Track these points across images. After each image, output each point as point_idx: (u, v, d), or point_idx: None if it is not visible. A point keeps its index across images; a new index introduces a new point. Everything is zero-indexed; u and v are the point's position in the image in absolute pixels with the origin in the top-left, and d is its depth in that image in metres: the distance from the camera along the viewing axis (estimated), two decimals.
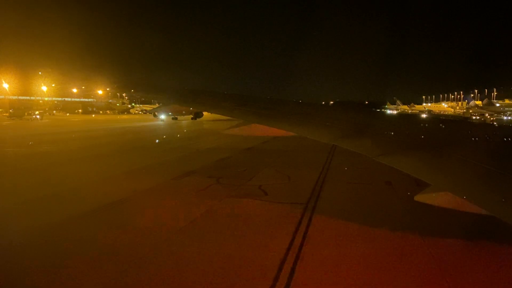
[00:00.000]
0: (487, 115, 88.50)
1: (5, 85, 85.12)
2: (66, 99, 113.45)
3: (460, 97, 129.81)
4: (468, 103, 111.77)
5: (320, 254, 6.30)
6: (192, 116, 58.82)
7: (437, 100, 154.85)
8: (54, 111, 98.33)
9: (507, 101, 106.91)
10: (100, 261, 6.04)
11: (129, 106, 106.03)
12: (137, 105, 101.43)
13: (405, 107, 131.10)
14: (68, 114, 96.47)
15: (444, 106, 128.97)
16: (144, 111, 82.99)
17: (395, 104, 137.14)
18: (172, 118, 57.69)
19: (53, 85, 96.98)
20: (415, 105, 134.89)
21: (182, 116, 58.02)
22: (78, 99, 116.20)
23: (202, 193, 10.71)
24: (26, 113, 65.70)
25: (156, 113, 57.87)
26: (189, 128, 42.54)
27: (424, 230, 7.49)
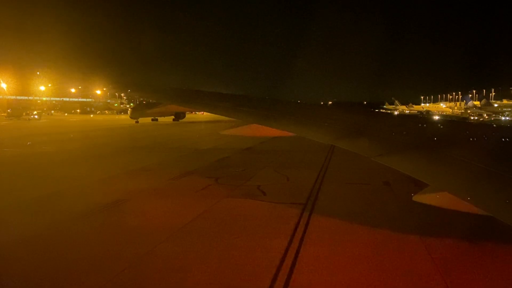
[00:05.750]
0: (485, 115, 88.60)
1: (3, 85, 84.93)
2: (64, 99, 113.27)
3: (458, 97, 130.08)
4: (466, 103, 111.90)
5: (318, 255, 6.29)
6: (173, 117, 57.30)
7: (435, 100, 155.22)
8: (52, 111, 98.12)
9: (505, 101, 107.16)
10: (100, 260, 6.02)
11: (128, 106, 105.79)
12: None
13: (404, 107, 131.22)
14: (66, 114, 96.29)
15: (442, 107, 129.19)
16: None
17: (393, 104, 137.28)
18: (152, 120, 55.40)
19: (49, 85, 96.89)
20: (413, 105, 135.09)
21: (163, 118, 56.09)
22: (76, 99, 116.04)
23: (200, 193, 10.68)
24: (24, 113, 65.52)
25: (131, 115, 54.76)
26: (179, 130, 42.48)
27: (423, 230, 7.49)
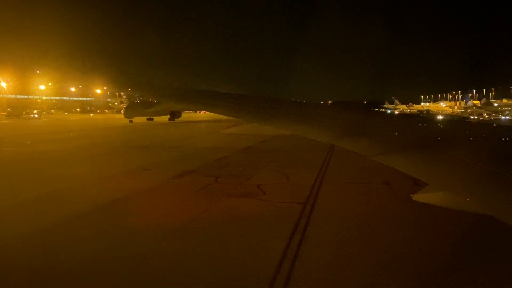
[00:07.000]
0: (485, 114, 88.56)
1: (3, 84, 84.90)
2: (64, 98, 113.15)
3: (458, 96, 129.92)
4: (466, 102, 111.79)
5: (318, 254, 6.30)
6: (169, 116, 55.93)
7: (435, 100, 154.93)
8: (52, 110, 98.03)
9: (505, 100, 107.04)
10: (100, 259, 6.01)
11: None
12: None
13: (404, 106, 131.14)
14: (66, 113, 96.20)
15: (442, 106, 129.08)
16: None
17: (393, 104, 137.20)
18: (148, 119, 53.93)
19: (49, 84, 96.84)
20: (414, 105, 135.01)
21: (158, 117, 54.65)
22: (76, 98, 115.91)
23: (200, 193, 10.68)
24: (24, 112, 65.46)
25: (125, 115, 53.08)
26: (177, 129, 42.42)
27: (423, 230, 7.50)
